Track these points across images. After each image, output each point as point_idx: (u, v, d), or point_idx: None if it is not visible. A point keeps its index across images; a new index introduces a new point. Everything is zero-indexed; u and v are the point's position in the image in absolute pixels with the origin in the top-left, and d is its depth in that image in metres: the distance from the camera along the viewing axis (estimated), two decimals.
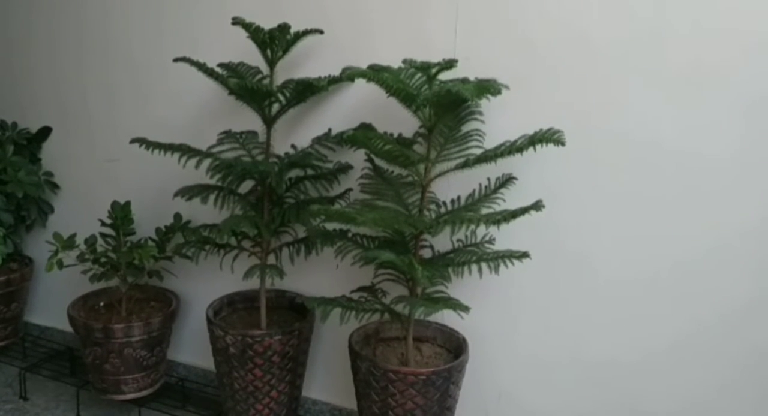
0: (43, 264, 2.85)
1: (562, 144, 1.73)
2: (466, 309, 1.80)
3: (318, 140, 2.22)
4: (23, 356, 2.92)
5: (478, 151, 1.90)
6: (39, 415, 2.55)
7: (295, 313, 2.38)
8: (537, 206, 1.73)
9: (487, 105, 1.96)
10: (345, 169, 2.20)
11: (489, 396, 2.20)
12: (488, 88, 1.66)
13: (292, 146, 2.28)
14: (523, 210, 1.71)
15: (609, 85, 1.88)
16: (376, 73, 1.72)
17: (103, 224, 2.46)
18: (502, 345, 2.15)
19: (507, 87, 1.79)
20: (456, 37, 2.03)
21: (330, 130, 2.24)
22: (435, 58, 1.90)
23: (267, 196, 2.16)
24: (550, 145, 1.74)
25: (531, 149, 1.76)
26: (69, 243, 2.39)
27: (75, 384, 2.64)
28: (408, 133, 2.06)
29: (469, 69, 1.96)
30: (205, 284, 2.60)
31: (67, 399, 2.64)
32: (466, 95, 1.60)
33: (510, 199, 1.97)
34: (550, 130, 1.75)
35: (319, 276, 2.38)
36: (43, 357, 2.88)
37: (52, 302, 3.01)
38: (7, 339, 2.84)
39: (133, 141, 2.07)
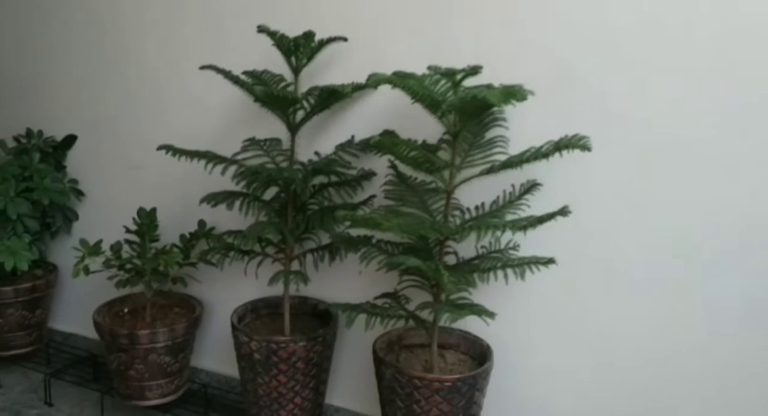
0: (67, 271, 2.89)
1: (588, 149, 1.72)
2: (491, 315, 1.80)
3: (341, 147, 2.23)
4: (47, 362, 2.94)
5: (502, 157, 1.90)
6: None
7: (318, 320, 2.38)
8: (564, 211, 1.72)
9: (510, 111, 1.97)
10: (369, 175, 2.20)
11: (512, 403, 2.18)
12: (514, 93, 1.66)
13: (316, 153, 2.29)
14: (550, 216, 1.71)
15: (635, 90, 1.88)
16: (401, 80, 1.73)
17: (128, 231, 2.48)
18: (525, 352, 2.14)
19: (532, 93, 1.79)
20: (478, 44, 2.04)
21: (353, 136, 2.25)
22: (458, 65, 1.90)
23: (291, 202, 2.17)
24: (573, 151, 1.74)
25: (556, 155, 1.76)
26: (95, 249, 2.41)
27: (98, 389, 2.65)
28: (430, 140, 2.06)
29: (492, 75, 1.96)
30: (227, 290, 2.62)
31: (91, 404, 2.65)
32: (492, 101, 1.60)
33: (533, 205, 1.97)
34: (575, 135, 1.75)
35: (341, 282, 2.39)
36: (67, 363, 2.90)
37: (75, 309, 3.03)
38: (32, 345, 2.86)
39: (160, 147, 2.10)
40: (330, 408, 2.48)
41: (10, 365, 2.89)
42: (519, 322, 2.13)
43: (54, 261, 3.00)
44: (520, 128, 1.99)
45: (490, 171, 1.82)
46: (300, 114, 2.13)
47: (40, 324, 2.86)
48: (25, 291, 2.74)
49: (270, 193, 2.22)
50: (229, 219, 2.42)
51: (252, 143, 2.28)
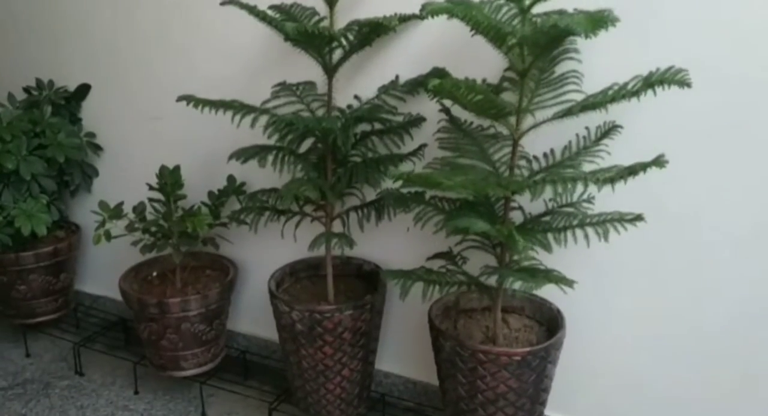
0: (91, 230, 2.68)
1: (688, 85, 1.44)
2: (570, 283, 1.56)
3: (385, 89, 1.95)
4: (76, 328, 2.79)
5: (577, 96, 1.62)
6: (96, 392, 2.41)
7: (363, 282, 2.17)
8: (659, 162, 1.43)
9: (580, 41, 1.66)
10: (417, 121, 1.93)
11: (582, 370, 1.96)
12: (604, 20, 1.36)
13: (356, 97, 2.02)
14: (643, 166, 1.43)
15: (728, 18, 1.56)
16: (462, 8, 1.43)
17: (152, 188, 2.25)
18: (596, 317, 1.90)
19: (619, 19, 1.48)
20: None
21: (397, 77, 1.97)
22: None
23: (330, 154, 1.92)
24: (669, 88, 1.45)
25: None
26: (116, 212, 2.20)
27: (131, 358, 2.49)
28: (486, 77, 1.79)
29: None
30: (261, 249, 2.41)
31: (124, 373, 2.50)
32: (578, 30, 1.31)
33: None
34: (670, 69, 1.46)
35: (387, 240, 2.16)
36: (97, 329, 2.74)
37: (103, 270, 2.86)
38: (59, 311, 2.69)
39: (180, 99, 1.84)
40: (379, 374, 2.29)
41: (36, 333, 2.74)
42: (587, 283, 1.84)
43: (76, 221, 2.80)
44: (590, 61, 1.69)
45: (568, 113, 1.54)
46: (338, 53, 1.86)
47: (65, 289, 2.69)
48: (46, 256, 2.55)
49: (305, 144, 1.98)
50: (259, 173, 2.17)
51: (283, 88, 2.02)
